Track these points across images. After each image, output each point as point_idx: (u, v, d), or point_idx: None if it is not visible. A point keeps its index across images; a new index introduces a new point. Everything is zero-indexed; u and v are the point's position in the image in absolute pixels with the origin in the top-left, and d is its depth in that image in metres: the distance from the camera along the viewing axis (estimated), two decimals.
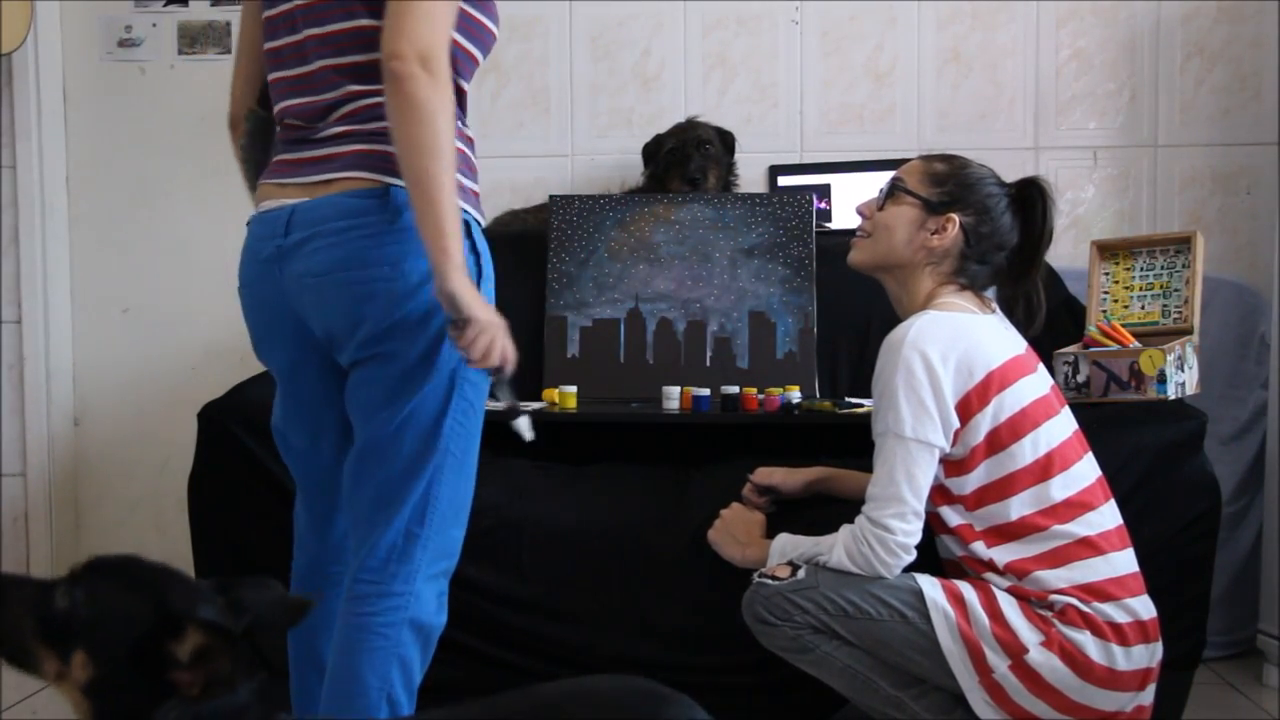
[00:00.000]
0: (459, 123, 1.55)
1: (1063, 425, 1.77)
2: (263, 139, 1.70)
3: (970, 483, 1.73)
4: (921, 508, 1.71)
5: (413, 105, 1.40)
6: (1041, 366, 1.83)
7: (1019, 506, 1.71)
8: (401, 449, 1.52)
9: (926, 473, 1.71)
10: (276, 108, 1.62)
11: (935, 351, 1.70)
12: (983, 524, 1.73)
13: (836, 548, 1.75)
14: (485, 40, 1.59)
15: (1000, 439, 1.71)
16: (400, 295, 1.47)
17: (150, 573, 1.09)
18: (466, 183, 1.56)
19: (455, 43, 1.51)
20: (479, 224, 1.59)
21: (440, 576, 1.59)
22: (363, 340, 1.50)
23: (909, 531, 1.70)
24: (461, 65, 1.55)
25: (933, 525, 1.78)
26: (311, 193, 1.52)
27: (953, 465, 1.73)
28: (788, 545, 1.84)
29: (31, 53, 3.00)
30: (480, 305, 1.45)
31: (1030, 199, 1.86)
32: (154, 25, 3.08)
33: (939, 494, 1.75)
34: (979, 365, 1.72)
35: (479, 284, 1.53)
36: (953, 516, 1.75)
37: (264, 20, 1.61)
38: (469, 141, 1.59)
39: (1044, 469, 1.72)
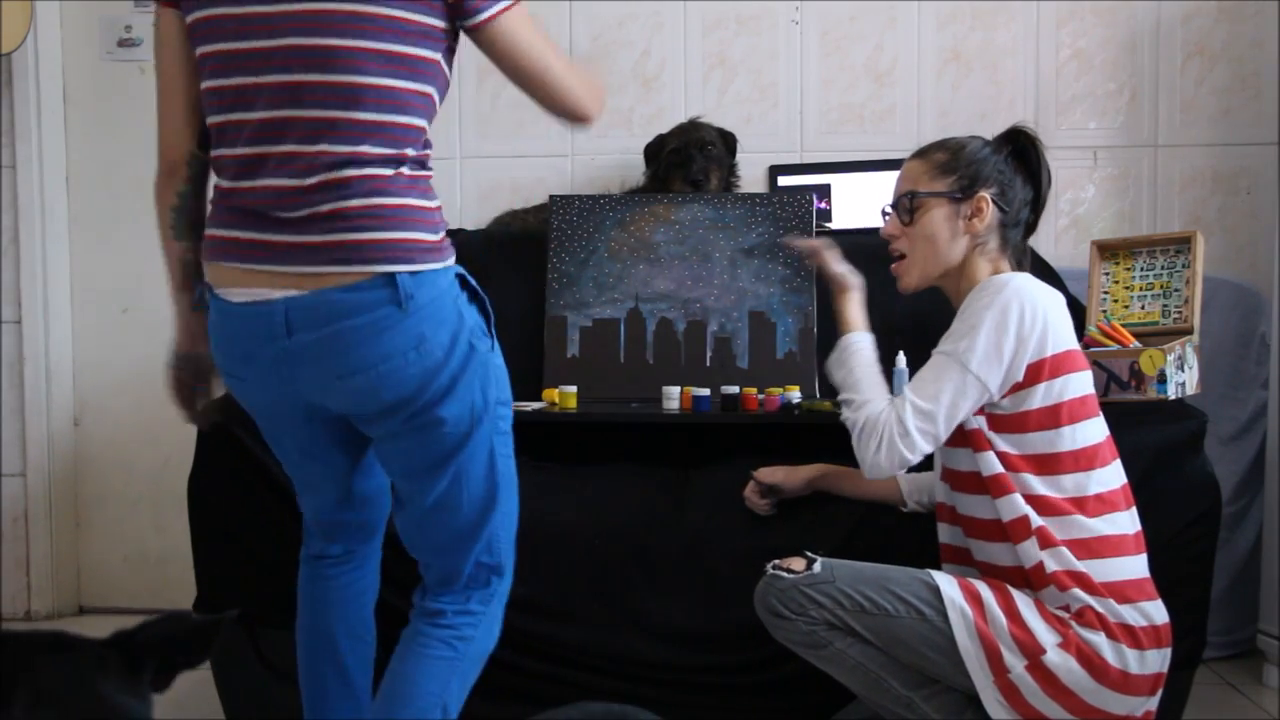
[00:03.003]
0: (428, 179, 1.56)
1: (1102, 426, 1.77)
2: (201, 186, 1.61)
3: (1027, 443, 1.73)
4: (945, 438, 1.73)
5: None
6: None
7: (1055, 487, 1.71)
8: (463, 499, 1.58)
9: (968, 409, 1.72)
10: (231, 152, 1.49)
11: (1030, 307, 1.70)
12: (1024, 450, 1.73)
13: (866, 408, 1.75)
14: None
15: (1059, 416, 1.71)
16: (430, 370, 1.50)
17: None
18: (446, 239, 1.56)
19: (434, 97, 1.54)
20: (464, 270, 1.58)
21: (504, 598, 1.68)
22: (402, 417, 1.52)
23: (921, 451, 1.72)
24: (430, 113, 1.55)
25: (999, 485, 1.74)
26: (300, 284, 1.45)
27: (1013, 421, 1.73)
28: (835, 358, 1.86)
29: (31, 53, 3.00)
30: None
31: (1023, 149, 1.88)
32: (154, 25, 3.07)
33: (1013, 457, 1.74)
34: (1064, 338, 1.73)
35: (487, 325, 1.59)
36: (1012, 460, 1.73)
37: (208, 54, 1.48)
38: (432, 194, 1.56)
39: (1089, 459, 1.72)
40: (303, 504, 1.74)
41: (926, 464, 1.94)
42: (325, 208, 1.45)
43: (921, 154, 1.88)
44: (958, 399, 1.71)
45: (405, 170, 1.49)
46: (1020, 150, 1.88)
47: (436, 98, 1.53)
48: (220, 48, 1.48)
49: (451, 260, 1.54)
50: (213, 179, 1.56)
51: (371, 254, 1.45)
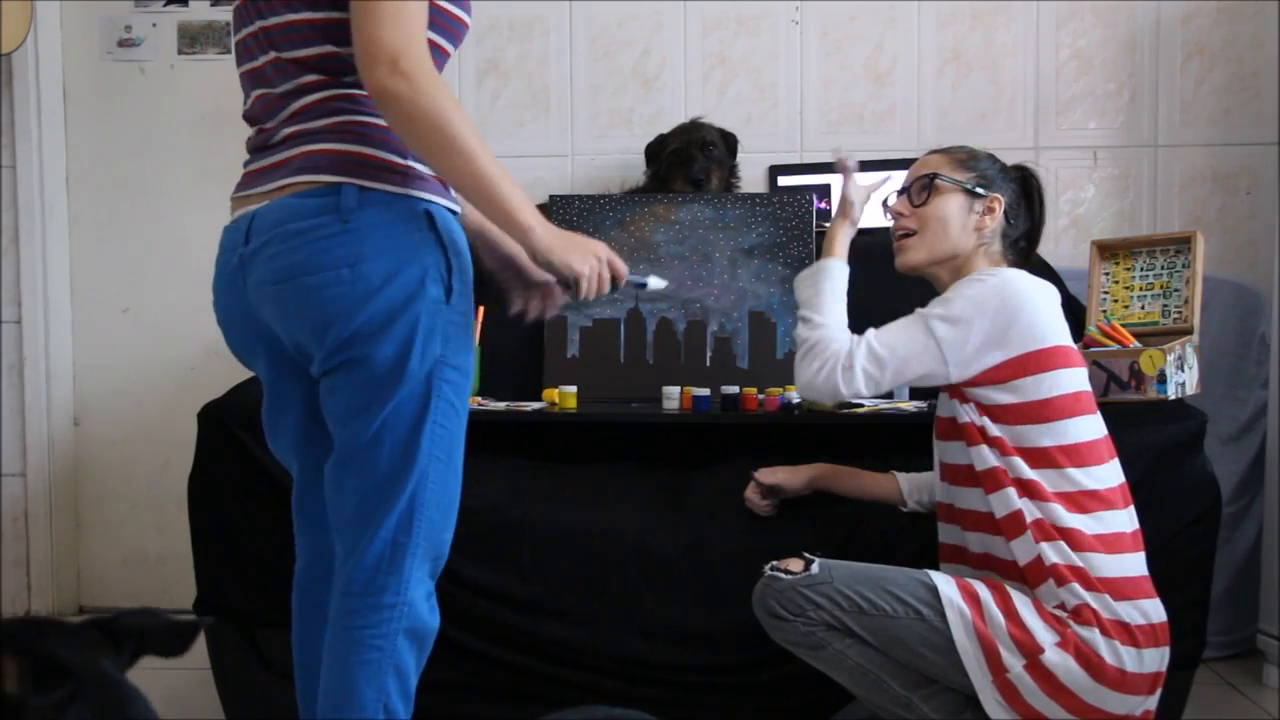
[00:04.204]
0: None
1: (1099, 423, 1.78)
2: None
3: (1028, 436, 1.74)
4: (888, 388, 1.78)
5: (408, 118, 1.37)
6: None
7: (1050, 482, 1.72)
8: (380, 457, 1.47)
9: (919, 372, 1.76)
10: (244, 106, 1.59)
11: (1014, 301, 1.72)
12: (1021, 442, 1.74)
13: (821, 330, 1.81)
14: (457, 32, 1.56)
15: (1051, 411, 1.72)
16: (361, 297, 1.41)
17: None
18: (425, 169, 1.51)
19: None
20: (449, 211, 1.53)
21: (428, 577, 1.55)
22: (330, 348, 1.44)
23: (856, 390, 1.76)
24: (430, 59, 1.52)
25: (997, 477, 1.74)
26: (269, 198, 1.48)
27: (1006, 413, 1.74)
28: (809, 275, 1.90)
29: (31, 53, 3.00)
30: (579, 256, 1.50)
31: (1029, 188, 1.92)
32: (154, 25, 3.08)
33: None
34: (1055, 333, 1.75)
35: (450, 276, 1.49)
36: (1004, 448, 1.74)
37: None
38: None
39: (1083, 456, 1.72)
40: (298, 539, 1.71)
41: (927, 464, 1.95)
42: (293, 129, 1.48)
43: (942, 150, 1.93)
44: (912, 358, 1.74)
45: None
46: (1025, 186, 1.92)
47: (439, 40, 1.52)
48: (233, 6, 1.59)
49: (424, 194, 1.48)
50: None
51: (324, 164, 1.44)
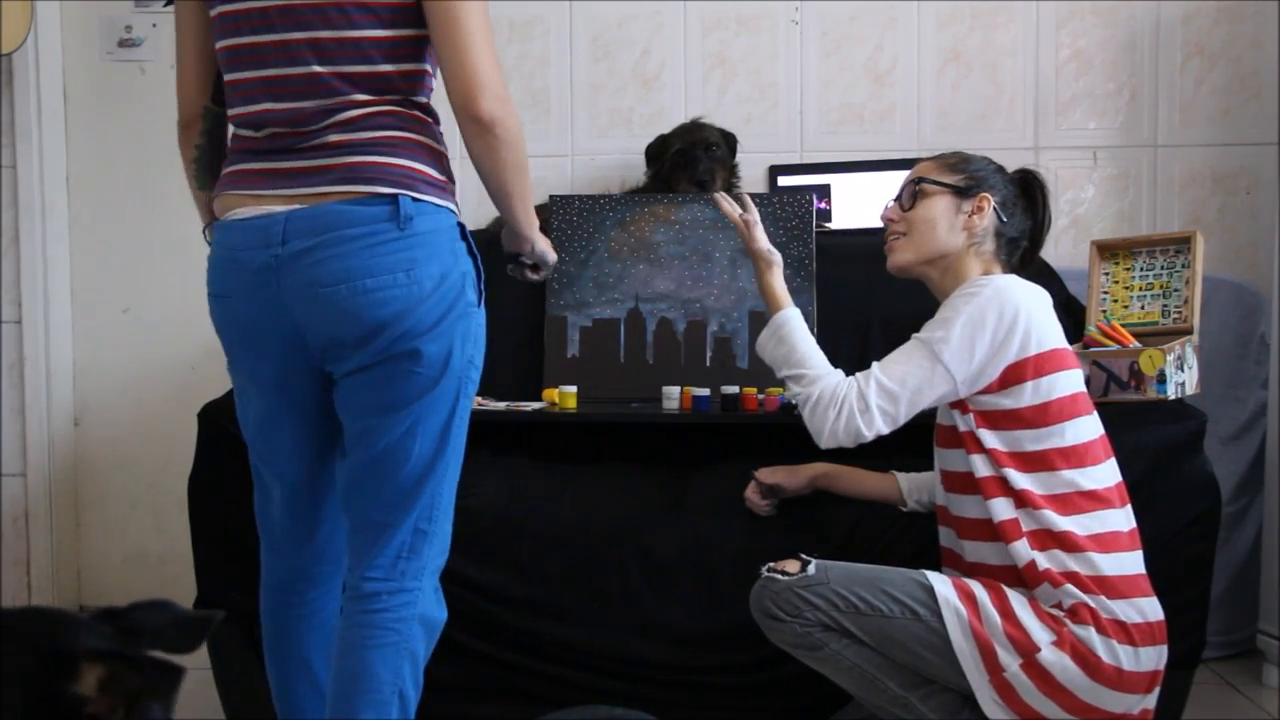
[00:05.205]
0: (436, 127, 1.59)
1: (1096, 424, 1.78)
2: (218, 138, 1.68)
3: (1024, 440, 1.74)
4: (904, 421, 1.77)
5: (503, 142, 1.51)
6: None
7: (1047, 485, 1.72)
8: (413, 451, 1.54)
9: (933, 398, 1.76)
10: (243, 110, 1.56)
11: (1011, 310, 1.72)
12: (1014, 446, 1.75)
13: (821, 381, 1.80)
14: None
15: (1049, 414, 1.72)
16: (415, 300, 1.49)
17: (27, 620, 1.01)
18: (452, 185, 1.60)
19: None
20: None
21: (436, 572, 1.62)
22: (380, 345, 1.50)
23: (877, 430, 1.76)
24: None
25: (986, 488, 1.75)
26: (304, 201, 1.50)
27: (1004, 419, 1.74)
28: (771, 336, 1.89)
29: (31, 53, 3.00)
30: (553, 252, 1.79)
31: (1030, 188, 1.93)
32: (154, 25, 3.08)
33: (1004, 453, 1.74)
34: (1050, 336, 1.75)
35: (479, 282, 1.59)
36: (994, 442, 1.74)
37: (218, 15, 1.55)
38: (440, 140, 1.61)
39: (1080, 457, 1.73)
40: (265, 554, 1.72)
41: (928, 464, 1.95)
42: (337, 137, 1.51)
43: (933, 156, 1.95)
44: (923, 386, 1.74)
45: (416, 112, 1.55)
46: (1027, 188, 1.93)
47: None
48: (227, 9, 1.55)
49: (455, 208, 1.58)
50: (231, 130, 1.64)
51: (377, 175, 1.50)
